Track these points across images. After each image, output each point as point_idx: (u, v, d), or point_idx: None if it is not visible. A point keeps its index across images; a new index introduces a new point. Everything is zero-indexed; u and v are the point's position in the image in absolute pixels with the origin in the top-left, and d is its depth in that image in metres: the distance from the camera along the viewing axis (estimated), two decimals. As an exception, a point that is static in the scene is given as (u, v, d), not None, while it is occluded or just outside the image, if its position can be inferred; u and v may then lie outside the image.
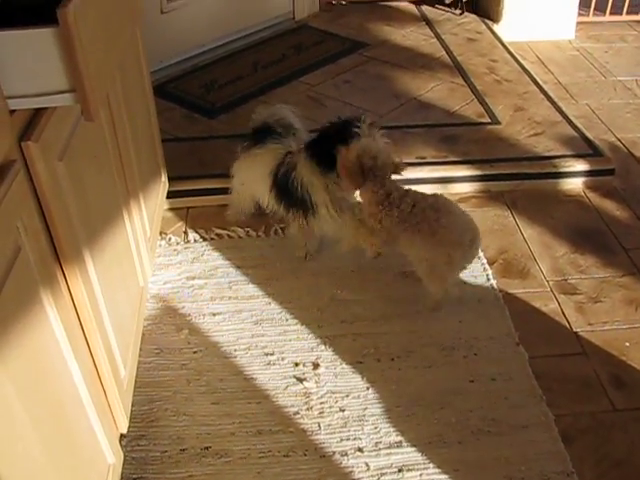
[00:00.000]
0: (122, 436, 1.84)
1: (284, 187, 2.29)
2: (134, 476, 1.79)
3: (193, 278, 2.39)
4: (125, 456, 1.77)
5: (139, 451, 1.86)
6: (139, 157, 2.11)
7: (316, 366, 2.10)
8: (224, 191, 2.64)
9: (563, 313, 2.34)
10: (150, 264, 2.21)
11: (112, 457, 1.61)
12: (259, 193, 2.43)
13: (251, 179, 2.42)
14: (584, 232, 2.70)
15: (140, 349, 2.05)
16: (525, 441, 1.89)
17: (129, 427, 1.83)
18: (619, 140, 3.28)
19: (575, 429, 1.95)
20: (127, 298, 1.89)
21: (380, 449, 1.88)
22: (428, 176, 2.79)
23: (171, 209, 2.72)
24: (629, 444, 1.91)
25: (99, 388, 1.59)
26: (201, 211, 2.72)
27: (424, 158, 2.84)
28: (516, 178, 2.89)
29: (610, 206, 2.86)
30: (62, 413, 1.36)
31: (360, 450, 1.87)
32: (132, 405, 1.87)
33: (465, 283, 2.38)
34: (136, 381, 1.97)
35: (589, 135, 3.12)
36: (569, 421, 1.97)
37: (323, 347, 2.16)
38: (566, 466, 1.83)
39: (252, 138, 2.40)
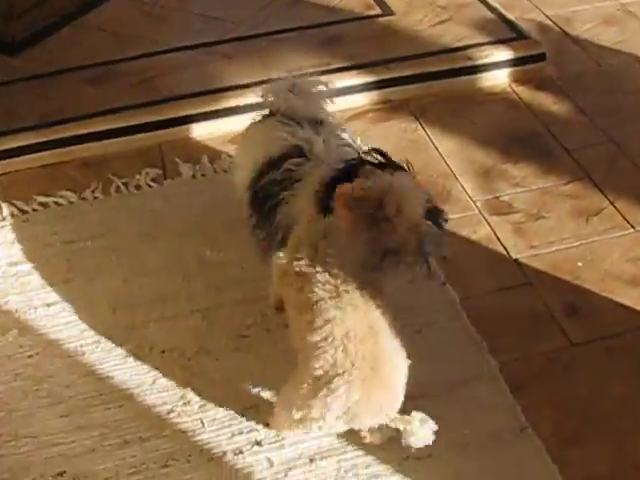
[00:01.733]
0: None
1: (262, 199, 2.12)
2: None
3: (16, 264, 2.42)
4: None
5: (-29, 496, 1.87)
6: None
7: (191, 349, 2.15)
8: (43, 147, 2.70)
9: (498, 238, 2.47)
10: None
11: None
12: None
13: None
14: (516, 136, 2.84)
15: (-46, 365, 2.06)
16: (466, 398, 2.01)
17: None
18: (549, 18, 3.42)
19: (526, 375, 2.07)
20: None
21: (284, 439, 1.95)
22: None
23: (-24, 179, 2.72)
24: (592, 382, 2.05)
25: None
26: (16, 177, 2.74)
27: (301, 69, 2.89)
28: (422, 80, 3.00)
29: (545, 100, 3.01)
30: None
31: (258, 444, 1.94)
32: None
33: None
34: (-45, 407, 1.98)
35: (510, 15, 3.25)
36: (518, 367, 2.10)
37: (196, 324, 2.22)
38: (518, 420, 1.95)
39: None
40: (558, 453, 1.89)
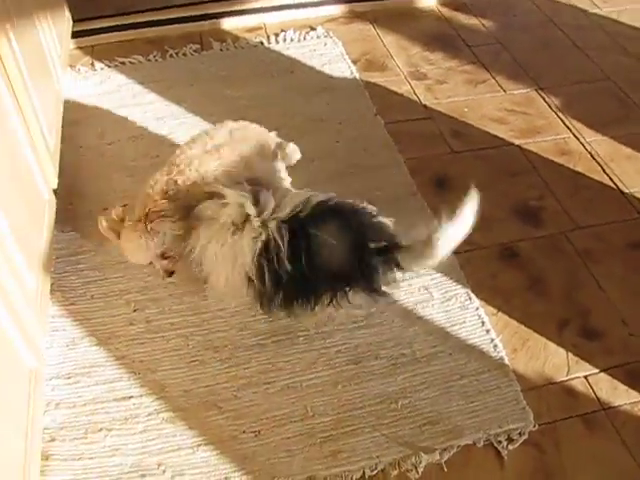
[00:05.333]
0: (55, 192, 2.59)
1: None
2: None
3: (103, 94, 3.33)
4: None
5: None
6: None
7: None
8: (122, 28, 3.65)
9: (415, 92, 3.40)
10: (63, 71, 3.13)
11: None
12: None
13: None
14: (435, 36, 3.81)
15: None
16: (381, 175, 2.87)
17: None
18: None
19: (421, 166, 2.95)
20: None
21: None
22: (293, 2, 3.85)
23: (77, 48, 3.65)
24: (463, 170, 2.94)
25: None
26: (104, 47, 3.65)
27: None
28: (376, -2, 3.99)
29: (459, 17, 3.98)
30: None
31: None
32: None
33: (333, 78, 3.41)
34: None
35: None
36: (416, 162, 2.97)
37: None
38: (411, 188, 2.83)
39: None
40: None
